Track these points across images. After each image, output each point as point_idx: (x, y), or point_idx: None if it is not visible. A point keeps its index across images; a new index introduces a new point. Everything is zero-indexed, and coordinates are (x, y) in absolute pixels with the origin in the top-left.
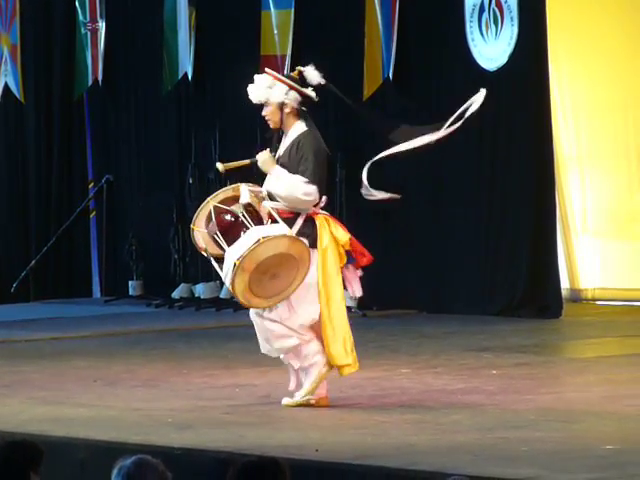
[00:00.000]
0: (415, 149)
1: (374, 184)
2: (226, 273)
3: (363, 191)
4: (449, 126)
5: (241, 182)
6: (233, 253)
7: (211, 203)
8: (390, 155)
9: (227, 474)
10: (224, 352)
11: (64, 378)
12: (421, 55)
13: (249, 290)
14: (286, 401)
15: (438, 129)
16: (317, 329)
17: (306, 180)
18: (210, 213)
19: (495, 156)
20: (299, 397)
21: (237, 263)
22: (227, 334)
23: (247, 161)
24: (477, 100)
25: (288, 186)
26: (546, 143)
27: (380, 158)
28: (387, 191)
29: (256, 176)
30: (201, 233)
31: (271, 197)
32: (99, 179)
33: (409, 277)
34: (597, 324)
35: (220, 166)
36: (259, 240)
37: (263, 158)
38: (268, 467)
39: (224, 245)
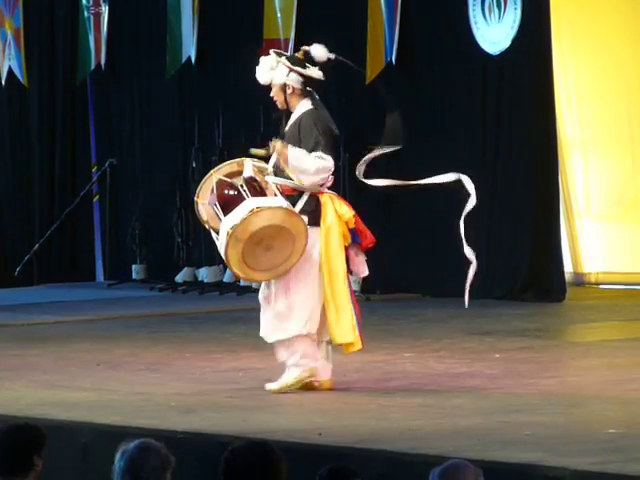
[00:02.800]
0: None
1: (374, 167)
2: (220, 243)
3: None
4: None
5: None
6: (227, 222)
7: (214, 176)
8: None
9: (224, 456)
10: (227, 336)
11: (67, 362)
12: (424, 39)
13: (244, 262)
14: (269, 387)
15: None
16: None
17: (319, 154)
18: (213, 186)
19: (498, 140)
20: (276, 385)
21: (230, 232)
22: (230, 318)
23: (264, 150)
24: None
25: (309, 160)
26: (549, 127)
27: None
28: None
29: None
30: (204, 206)
31: (276, 173)
32: (102, 163)
33: (412, 261)
34: (600, 308)
35: (254, 151)
36: (253, 209)
37: (277, 144)
38: (259, 449)
39: (221, 216)
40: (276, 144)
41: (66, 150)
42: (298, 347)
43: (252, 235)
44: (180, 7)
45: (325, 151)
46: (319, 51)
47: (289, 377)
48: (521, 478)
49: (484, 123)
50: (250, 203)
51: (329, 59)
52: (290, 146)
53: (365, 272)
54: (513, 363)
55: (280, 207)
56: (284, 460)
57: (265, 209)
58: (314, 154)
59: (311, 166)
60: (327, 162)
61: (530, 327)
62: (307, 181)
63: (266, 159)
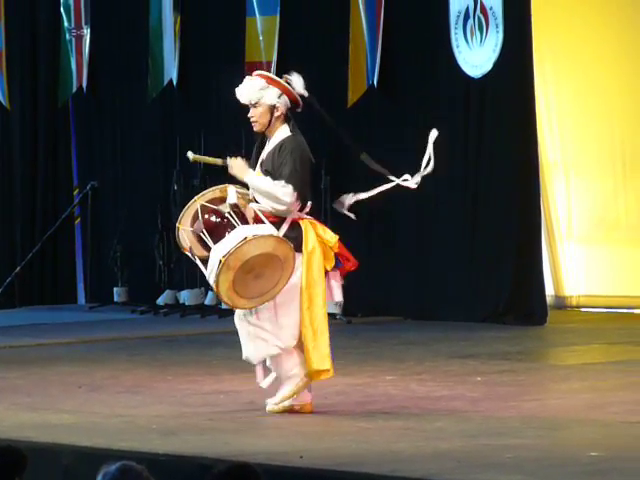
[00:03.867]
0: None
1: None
2: (211, 271)
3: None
4: (425, 168)
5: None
6: (219, 250)
7: (198, 202)
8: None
9: None
10: (208, 359)
11: (49, 384)
12: (406, 62)
13: (233, 289)
14: (270, 407)
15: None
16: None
17: (283, 184)
18: (197, 212)
19: (480, 162)
20: (275, 405)
21: (223, 260)
22: (212, 341)
23: (219, 161)
24: (430, 140)
25: (267, 187)
26: (531, 150)
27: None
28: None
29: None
30: (186, 232)
31: (257, 200)
32: (84, 185)
33: (394, 284)
34: (582, 331)
35: (190, 155)
36: (246, 238)
37: (236, 164)
38: (241, 473)
39: (210, 243)
40: (235, 162)
41: (48, 172)
42: (287, 361)
43: (244, 264)
44: (162, 30)
45: (290, 181)
46: (298, 83)
47: (288, 388)
48: None
49: (466, 146)
50: (243, 231)
51: (302, 96)
52: (251, 174)
53: (339, 298)
54: (494, 386)
55: (271, 235)
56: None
57: (257, 237)
58: (277, 182)
59: (268, 192)
60: (286, 197)
61: (512, 350)
62: (273, 204)
63: (224, 169)
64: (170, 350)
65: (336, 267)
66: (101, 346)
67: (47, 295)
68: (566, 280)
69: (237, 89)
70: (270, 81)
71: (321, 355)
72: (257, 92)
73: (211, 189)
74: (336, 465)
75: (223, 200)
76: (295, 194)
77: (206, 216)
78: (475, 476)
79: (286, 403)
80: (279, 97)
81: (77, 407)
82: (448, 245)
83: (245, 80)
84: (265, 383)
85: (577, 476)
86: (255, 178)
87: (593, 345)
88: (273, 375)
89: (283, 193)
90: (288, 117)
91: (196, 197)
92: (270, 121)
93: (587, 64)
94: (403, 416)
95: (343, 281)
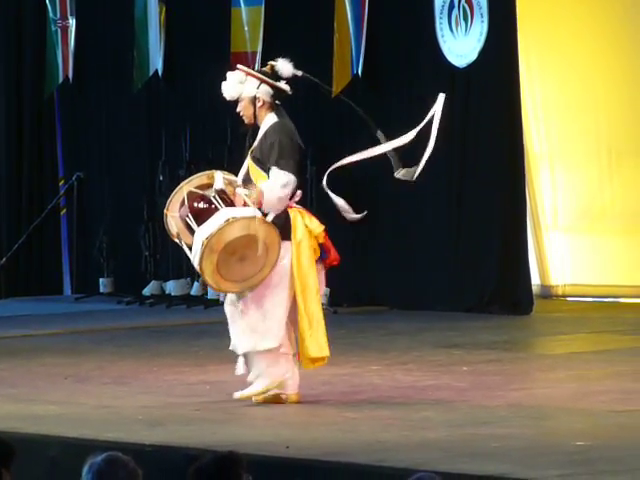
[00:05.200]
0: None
1: (341, 185)
2: (194, 253)
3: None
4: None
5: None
6: (202, 232)
7: (185, 188)
8: (354, 162)
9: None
10: (195, 349)
11: (35, 375)
12: (390, 51)
13: (217, 272)
14: (237, 394)
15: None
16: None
17: (283, 172)
18: (184, 198)
19: (465, 153)
20: (245, 393)
21: (205, 242)
22: (198, 331)
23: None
24: (438, 107)
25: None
26: (516, 140)
27: (345, 164)
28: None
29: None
30: (174, 219)
31: (245, 185)
32: (70, 176)
33: (380, 274)
34: (568, 320)
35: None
36: (228, 219)
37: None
38: (224, 461)
39: (195, 228)
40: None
41: (33, 164)
42: (267, 359)
43: (227, 245)
44: (147, 20)
45: (286, 167)
46: (284, 67)
47: (258, 386)
48: None
49: (451, 136)
50: (224, 213)
51: (295, 75)
52: (261, 191)
53: (323, 288)
54: (481, 375)
55: (254, 217)
56: (246, 471)
57: (239, 219)
58: (274, 171)
59: (278, 198)
60: (288, 186)
61: (498, 340)
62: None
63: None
64: (156, 341)
65: (321, 258)
66: (87, 337)
67: (33, 286)
68: (552, 269)
69: (222, 86)
70: (247, 73)
71: (318, 343)
72: (237, 86)
73: (198, 175)
74: (322, 455)
75: (210, 186)
76: (294, 182)
77: (194, 202)
78: (461, 465)
79: (267, 393)
80: (258, 87)
81: (63, 398)
82: (434, 235)
83: (228, 76)
84: (239, 370)
85: (563, 465)
86: (263, 189)
87: (579, 334)
88: (242, 360)
89: (283, 183)
90: (274, 105)
91: (183, 183)
92: (255, 112)
93: (572, 54)
94: (389, 406)
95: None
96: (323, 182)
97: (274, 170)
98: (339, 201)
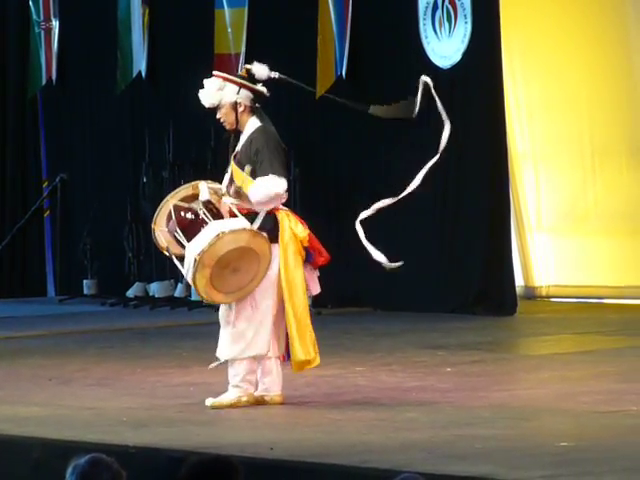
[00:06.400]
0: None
1: (325, 182)
2: (187, 269)
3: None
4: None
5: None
6: (193, 248)
7: (171, 202)
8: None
9: (180, 472)
10: (178, 351)
11: (18, 377)
12: (374, 53)
13: (211, 285)
14: (209, 401)
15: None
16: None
17: (280, 179)
18: (170, 212)
19: (449, 154)
20: (215, 401)
21: (197, 258)
22: (181, 333)
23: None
24: (446, 133)
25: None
26: (500, 140)
27: (373, 211)
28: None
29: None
30: (162, 232)
31: (233, 191)
32: (53, 178)
33: (363, 275)
34: (551, 321)
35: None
36: (219, 234)
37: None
38: (220, 466)
39: (184, 242)
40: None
41: (17, 165)
42: (244, 369)
43: (219, 260)
44: (130, 22)
45: (278, 173)
46: (260, 70)
47: (228, 396)
48: None
49: (435, 136)
50: (214, 227)
51: (271, 78)
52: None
53: (317, 290)
54: (464, 376)
55: (244, 229)
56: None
57: (230, 233)
58: (269, 177)
59: (267, 196)
60: (281, 186)
61: (481, 340)
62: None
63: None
64: (140, 342)
65: (306, 261)
66: (71, 338)
67: (17, 288)
68: (536, 270)
69: (199, 94)
70: (225, 79)
71: (306, 345)
72: (216, 93)
73: (183, 187)
74: (306, 456)
75: (196, 197)
76: (285, 184)
77: (181, 213)
78: (445, 467)
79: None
80: (238, 92)
81: (47, 400)
82: (418, 236)
83: (205, 83)
84: (213, 365)
85: (547, 466)
86: (250, 192)
87: (563, 335)
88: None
89: (276, 185)
90: (254, 109)
91: (168, 197)
92: (237, 117)
93: (555, 56)
94: (373, 407)
95: (318, 272)
96: (360, 235)
97: (271, 177)
98: (375, 253)
